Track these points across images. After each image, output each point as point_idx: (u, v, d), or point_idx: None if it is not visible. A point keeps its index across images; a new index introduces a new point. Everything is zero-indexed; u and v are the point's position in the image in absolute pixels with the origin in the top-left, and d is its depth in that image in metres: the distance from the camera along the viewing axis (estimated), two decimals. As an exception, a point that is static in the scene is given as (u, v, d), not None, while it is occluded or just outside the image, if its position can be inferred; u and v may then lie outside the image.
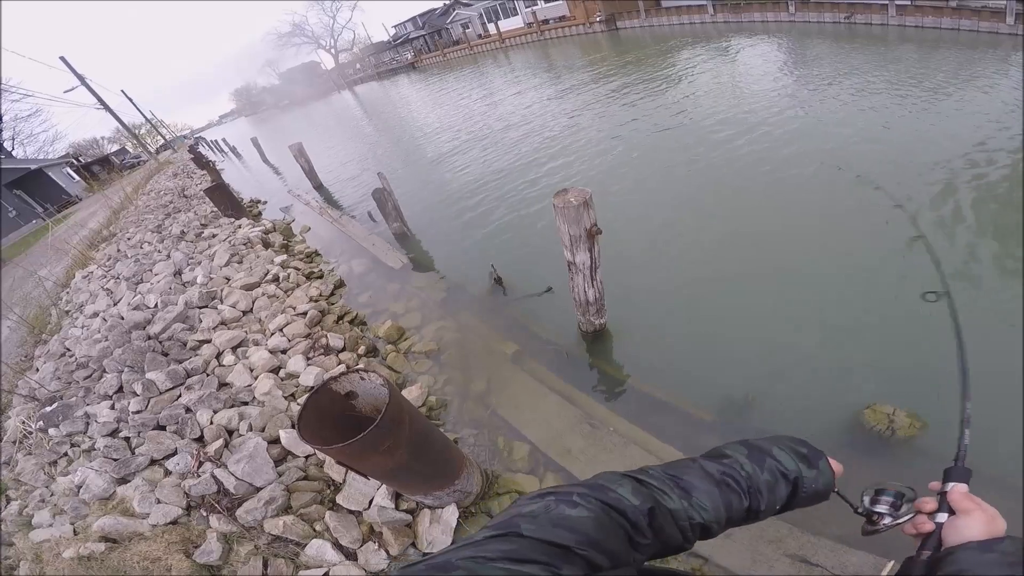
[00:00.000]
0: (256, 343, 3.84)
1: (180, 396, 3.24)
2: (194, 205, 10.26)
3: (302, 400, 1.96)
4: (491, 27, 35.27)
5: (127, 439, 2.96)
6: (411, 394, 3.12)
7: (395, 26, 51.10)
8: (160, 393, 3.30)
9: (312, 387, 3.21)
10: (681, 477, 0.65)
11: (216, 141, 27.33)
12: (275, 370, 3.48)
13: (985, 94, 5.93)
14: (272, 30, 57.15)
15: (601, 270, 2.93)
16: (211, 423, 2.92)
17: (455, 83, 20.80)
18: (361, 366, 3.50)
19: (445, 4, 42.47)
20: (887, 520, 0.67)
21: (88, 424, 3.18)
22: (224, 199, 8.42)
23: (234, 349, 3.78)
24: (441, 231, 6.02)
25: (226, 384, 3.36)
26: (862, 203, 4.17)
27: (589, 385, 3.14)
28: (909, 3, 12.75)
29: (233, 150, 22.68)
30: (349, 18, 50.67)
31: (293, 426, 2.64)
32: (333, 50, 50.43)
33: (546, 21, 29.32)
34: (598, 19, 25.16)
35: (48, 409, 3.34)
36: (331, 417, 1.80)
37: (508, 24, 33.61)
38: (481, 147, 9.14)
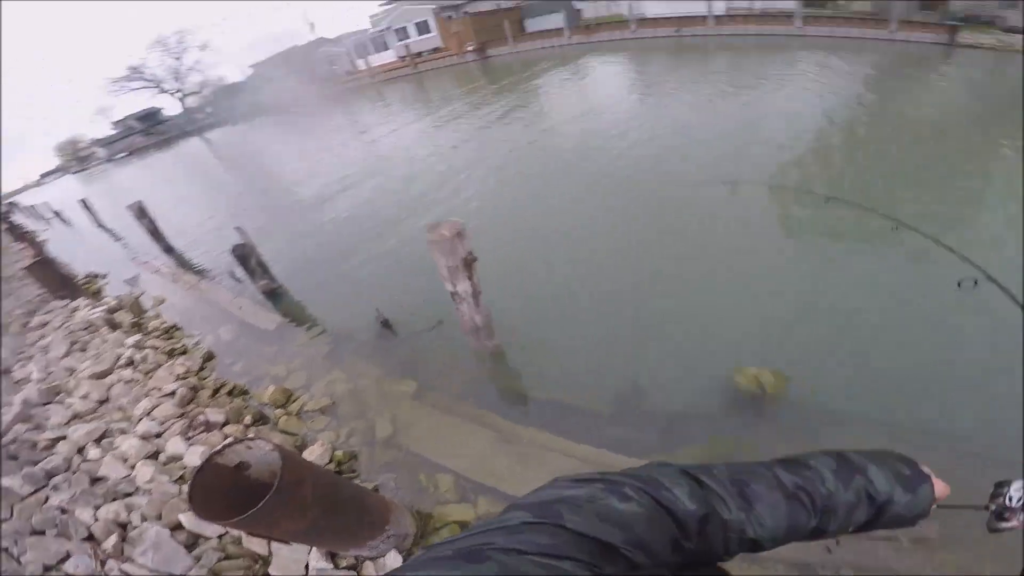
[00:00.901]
0: (123, 431, 3.54)
1: (48, 498, 2.95)
2: (14, 288, 8.52)
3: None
4: (361, 63, 34.96)
5: (6, 549, 2.61)
6: (313, 454, 3.02)
7: (253, 66, 48.02)
8: (22, 499, 2.98)
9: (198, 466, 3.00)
10: (748, 484, 0.57)
11: (36, 206, 22.77)
12: (153, 455, 3.25)
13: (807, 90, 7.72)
14: (105, 76, 49.76)
15: (484, 295, 3.16)
16: (96, 519, 2.69)
17: (325, 122, 20.14)
18: (251, 435, 3.30)
19: (309, 42, 41.14)
20: (1022, 516, 0.60)
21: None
22: (51, 277, 7.19)
23: (97, 441, 3.47)
24: (317, 282, 5.78)
25: (99, 478, 3.09)
26: (707, 196, 5.09)
27: (496, 405, 3.27)
28: (724, 14, 15.76)
29: (58, 216, 19.13)
30: (197, 59, 45.31)
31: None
32: (179, 94, 45.32)
33: (419, 54, 29.88)
34: (470, 49, 26.34)
35: None
36: (226, 491, 1.75)
37: (380, 59, 33.53)
38: (356, 189, 9.00)
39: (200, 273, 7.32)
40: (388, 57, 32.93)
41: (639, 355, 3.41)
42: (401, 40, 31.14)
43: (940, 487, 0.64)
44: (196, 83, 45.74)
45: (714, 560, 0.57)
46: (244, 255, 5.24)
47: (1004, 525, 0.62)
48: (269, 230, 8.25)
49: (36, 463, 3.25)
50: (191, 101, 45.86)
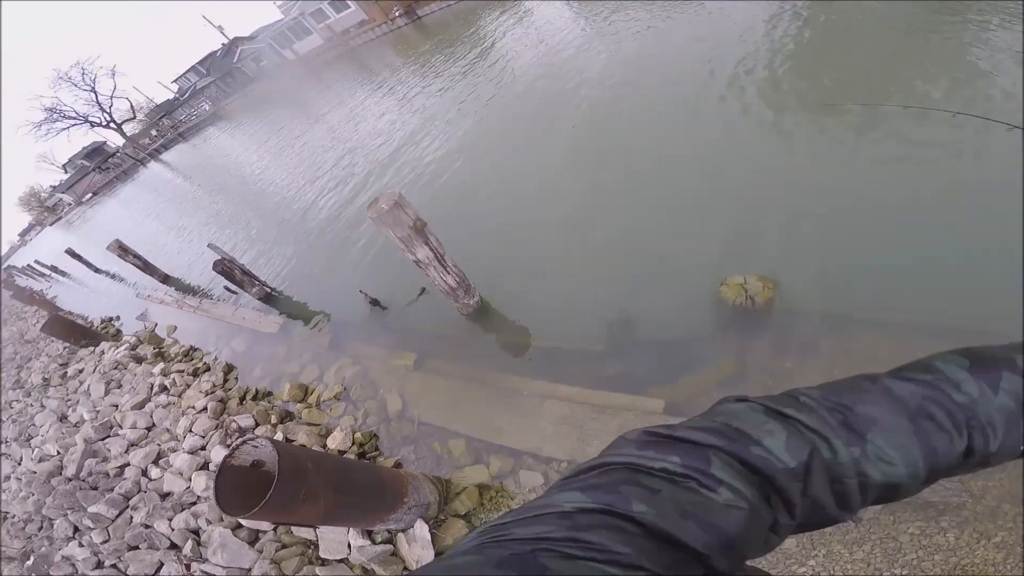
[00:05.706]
0: (173, 450, 3.94)
1: (133, 518, 3.37)
2: (42, 348, 9.10)
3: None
4: (288, 54, 33.23)
5: (114, 566, 3.08)
6: (335, 440, 3.17)
7: (175, 80, 45.43)
8: (112, 520, 3.44)
9: (217, 470, 3.33)
10: (852, 408, 0.42)
11: (31, 265, 22.73)
12: (203, 467, 3.61)
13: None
14: (23, 120, 46.57)
15: (450, 255, 3.10)
16: (172, 530, 3.10)
17: (277, 121, 19.41)
18: (256, 435, 3.61)
19: (224, 44, 38.84)
20: None
21: (74, 565, 3.27)
22: (69, 330, 7.52)
23: (155, 462, 3.89)
24: (305, 278, 5.98)
25: (166, 494, 3.51)
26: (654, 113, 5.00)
27: (490, 361, 3.30)
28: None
29: (55, 269, 19.25)
30: (114, 87, 40.78)
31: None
32: (113, 124, 42.18)
33: (346, 31, 28.53)
34: (398, 13, 25.10)
35: (29, 562, 3.48)
36: (253, 486, 1.82)
37: (306, 45, 31.87)
38: (329, 178, 8.96)
39: (200, 294, 7.57)
40: (314, 42, 31.17)
41: (620, 285, 3.26)
42: (321, 22, 29.44)
43: None
44: (125, 110, 43.17)
45: (828, 523, 0.42)
46: (227, 270, 5.37)
47: None
48: (253, 235, 8.48)
49: (111, 490, 3.73)
50: (130, 128, 43.50)
